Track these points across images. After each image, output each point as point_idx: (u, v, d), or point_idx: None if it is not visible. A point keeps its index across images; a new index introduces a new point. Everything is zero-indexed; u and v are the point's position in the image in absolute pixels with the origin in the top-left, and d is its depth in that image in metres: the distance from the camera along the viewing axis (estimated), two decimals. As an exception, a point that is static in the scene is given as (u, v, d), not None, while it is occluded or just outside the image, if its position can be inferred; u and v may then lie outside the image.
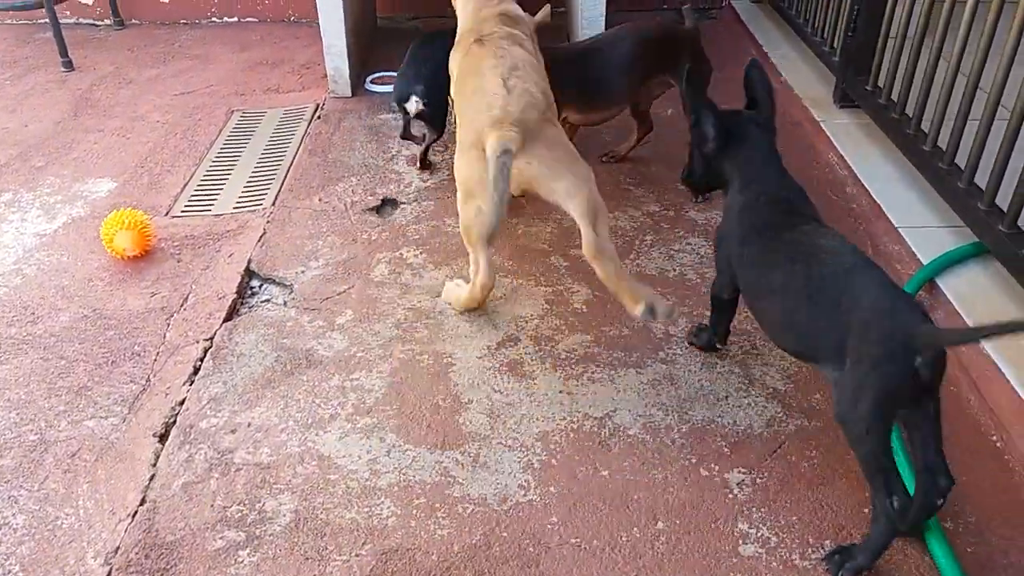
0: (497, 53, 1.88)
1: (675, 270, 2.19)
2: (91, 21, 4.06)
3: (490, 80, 1.81)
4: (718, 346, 1.87)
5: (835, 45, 3.03)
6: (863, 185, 2.48)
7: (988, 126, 2.05)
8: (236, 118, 3.12)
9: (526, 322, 2.01)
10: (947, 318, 1.95)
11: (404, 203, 2.52)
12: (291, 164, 2.76)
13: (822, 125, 2.83)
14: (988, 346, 1.80)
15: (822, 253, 1.45)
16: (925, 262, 2.09)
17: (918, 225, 2.25)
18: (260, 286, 2.18)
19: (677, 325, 1.99)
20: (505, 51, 1.89)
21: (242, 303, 2.11)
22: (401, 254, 2.28)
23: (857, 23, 2.76)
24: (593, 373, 1.84)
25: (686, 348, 1.91)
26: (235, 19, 4.07)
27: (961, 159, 2.17)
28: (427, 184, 2.62)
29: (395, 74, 3.33)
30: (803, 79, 3.17)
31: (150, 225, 2.33)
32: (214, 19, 4.07)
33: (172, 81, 3.44)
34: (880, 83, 2.66)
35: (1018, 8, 1.88)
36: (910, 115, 2.44)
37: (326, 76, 3.22)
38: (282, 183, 2.65)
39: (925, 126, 2.37)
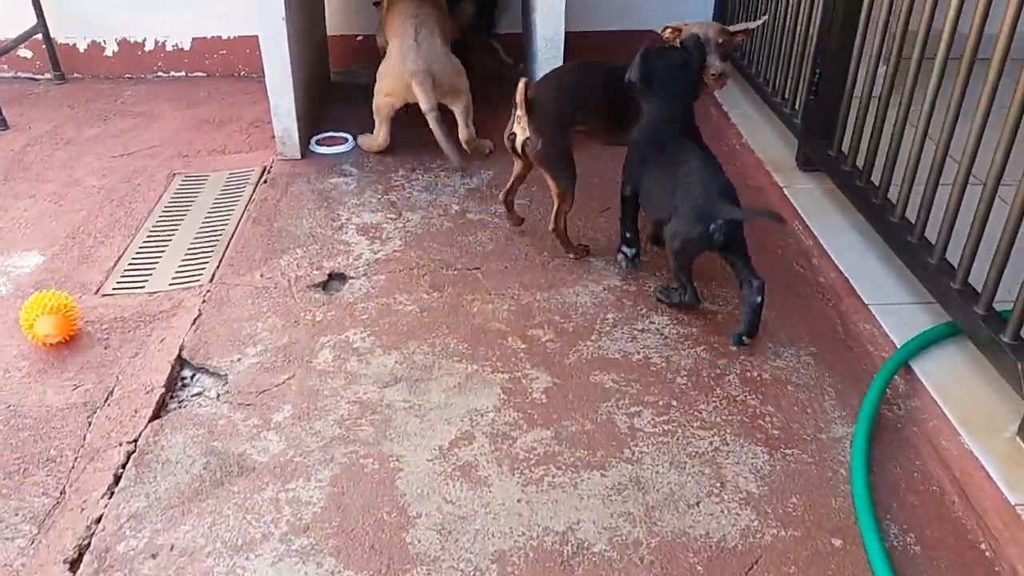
0: (411, 11, 2.93)
1: (639, 353, 2.07)
2: (30, 75, 3.89)
3: (407, 34, 2.86)
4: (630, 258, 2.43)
5: (796, 107, 2.97)
6: (830, 257, 2.40)
7: (960, 196, 1.96)
8: (178, 182, 2.96)
9: (481, 416, 1.87)
10: (924, 407, 1.85)
11: (352, 278, 2.38)
12: (233, 234, 2.61)
13: (785, 191, 2.76)
14: (972, 443, 1.70)
15: (682, 154, 2.14)
16: (899, 343, 2.00)
17: (890, 302, 2.16)
18: (192, 376, 2.01)
19: (642, 417, 1.86)
20: (419, 11, 2.93)
21: (171, 397, 1.94)
22: (347, 337, 2.13)
23: (819, 86, 2.71)
24: (554, 477, 1.70)
25: (652, 445, 1.79)
26: (182, 73, 3.92)
27: (932, 232, 2.09)
28: (377, 256, 2.48)
29: (343, 134, 3.24)
30: (764, 141, 3.11)
31: (75, 308, 2.16)
32: (160, 73, 3.92)
33: (112, 141, 3.27)
34: (844, 148, 2.60)
35: (990, 66, 1.81)
36: (876, 183, 2.37)
37: (275, 136, 3.08)
38: (222, 256, 2.49)
39: (893, 195, 2.29)
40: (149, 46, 3.86)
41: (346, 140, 3.21)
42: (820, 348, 2.10)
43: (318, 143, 3.18)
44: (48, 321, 2.09)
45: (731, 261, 2.12)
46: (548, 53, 3.02)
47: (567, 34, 3.01)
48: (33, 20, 3.62)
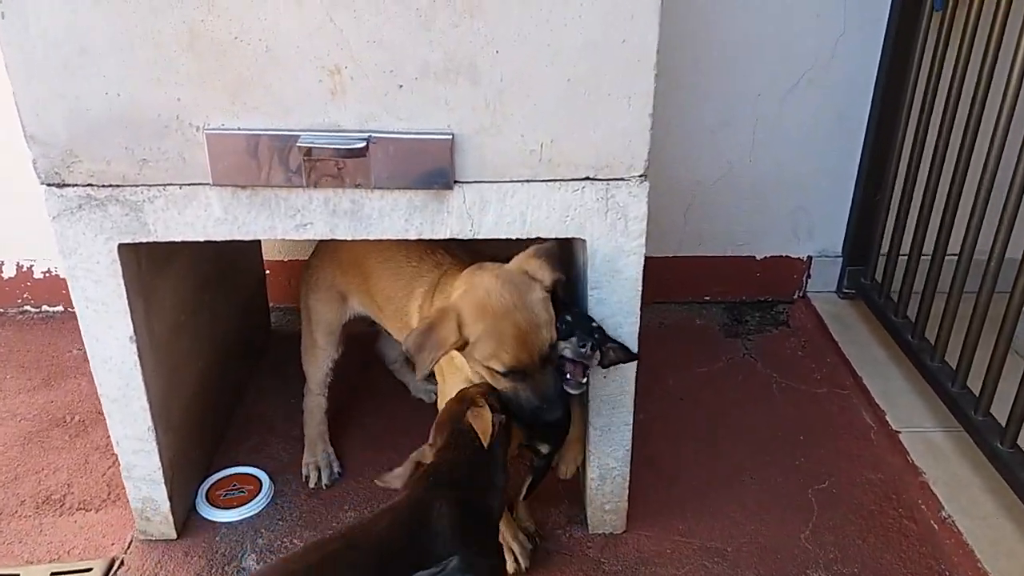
0: None
1: None
2: None
3: None
4: None
5: (1009, 423, 1.68)
6: None
7: None
8: (-40, 593, 1.71)
9: None
10: None
11: None
12: None
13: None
14: None
15: None
16: None
17: None
18: None
19: None
20: None
21: None
22: None
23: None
24: None
25: None
26: (59, 308, 2.71)
27: None
28: None
29: (255, 472, 1.97)
30: (970, 500, 1.79)
31: None
32: (27, 307, 2.71)
33: (-103, 470, 2.04)
34: None
35: None
36: None
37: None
38: None
39: None
40: (8, 272, 2.66)
41: (259, 486, 1.94)
42: None
43: (210, 496, 1.91)
44: None
45: None
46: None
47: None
48: None
